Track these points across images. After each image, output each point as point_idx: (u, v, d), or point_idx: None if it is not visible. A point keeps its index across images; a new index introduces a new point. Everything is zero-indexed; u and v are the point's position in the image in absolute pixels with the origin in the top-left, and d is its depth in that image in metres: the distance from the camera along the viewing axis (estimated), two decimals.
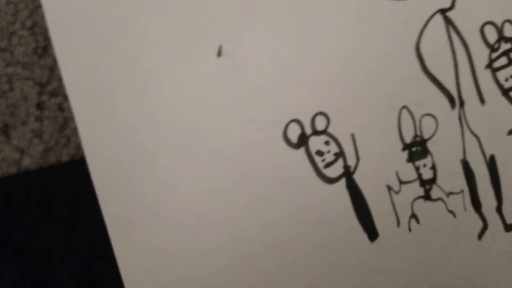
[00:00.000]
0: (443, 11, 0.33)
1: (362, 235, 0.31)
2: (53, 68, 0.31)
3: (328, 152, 0.31)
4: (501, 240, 0.32)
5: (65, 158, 0.32)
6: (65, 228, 0.31)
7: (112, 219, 0.30)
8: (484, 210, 0.32)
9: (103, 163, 0.30)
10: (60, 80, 0.30)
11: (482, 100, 0.33)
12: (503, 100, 0.33)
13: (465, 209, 0.32)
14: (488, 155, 0.33)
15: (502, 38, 0.34)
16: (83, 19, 0.30)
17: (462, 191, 0.32)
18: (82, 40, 0.30)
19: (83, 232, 0.31)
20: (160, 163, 0.30)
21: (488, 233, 0.32)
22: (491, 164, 0.33)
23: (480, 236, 0.32)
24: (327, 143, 0.31)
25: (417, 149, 0.32)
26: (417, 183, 0.32)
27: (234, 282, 0.30)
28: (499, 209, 0.32)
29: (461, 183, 0.32)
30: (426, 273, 0.31)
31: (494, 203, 0.32)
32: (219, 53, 0.31)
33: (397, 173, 0.32)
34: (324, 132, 0.31)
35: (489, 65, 0.33)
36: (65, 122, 0.32)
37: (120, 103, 0.30)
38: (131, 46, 0.30)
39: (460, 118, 0.33)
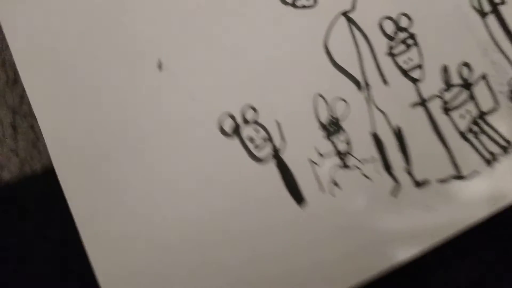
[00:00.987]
0: (345, 13, 0.40)
1: (292, 204, 0.37)
2: (23, 95, 0.38)
3: (258, 138, 0.37)
4: (413, 195, 0.38)
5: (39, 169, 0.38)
6: (40, 224, 0.37)
7: (79, 213, 0.35)
8: (395, 172, 0.38)
9: (68, 166, 0.36)
10: (29, 104, 0.36)
11: (385, 82, 0.39)
12: (404, 80, 0.39)
13: (379, 173, 0.38)
14: (395, 127, 0.38)
15: (398, 28, 0.40)
16: (42, 51, 0.37)
17: (374, 158, 0.38)
18: (44, 69, 0.37)
19: (57, 227, 0.37)
20: (115, 162, 0.36)
21: (401, 191, 0.38)
22: (398, 134, 0.38)
23: (393, 193, 0.38)
24: (256, 130, 0.37)
25: (332, 127, 0.38)
26: (335, 155, 0.37)
27: (186, 256, 0.36)
28: (408, 170, 0.38)
29: (373, 152, 0.38)
30: (350, 231, 0.37)
31: (403, 165, 0.38)
32: (160, 67, 0.38)
33: (317, 148, 0.37)
34: (253, 122, 0.37)
35: (389, 52, 0.40)
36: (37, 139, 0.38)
37: (78, 116, 0.36)
38: (84, 66, 0.37)
39: (367, 99, 0.39)
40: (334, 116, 0.38)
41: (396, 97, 0.39)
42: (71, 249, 0.35)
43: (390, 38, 0.40)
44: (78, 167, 0.36)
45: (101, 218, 0.36)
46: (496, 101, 0.40)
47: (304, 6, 0.39)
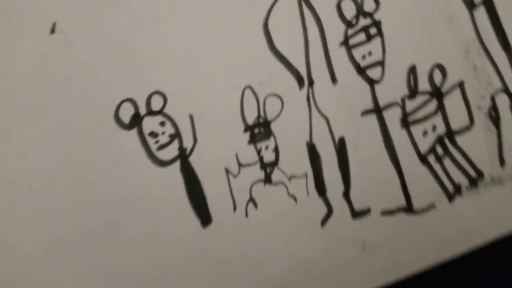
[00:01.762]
0: None
1: (195, 221, 0.29)
2: None
3: (163, 133, 0.30)
4: (346, 227, 0.30)
5: None
6: None
7: None
8: (329, 195, 0.30)
9: None
10: None
11: (334, 79, 0.31)
12: (358, 79, 0.31)
13: (308, 194, 0.30)
14: (337, 137, 0.31)
15: (361, 13, 0.32)
16: None
17: (305, 175, 0.30)
18: None
19: None
20: None
21: (332, 219, 0.30)
22: (340, 147, 0.31)
23: (323, 222, 0.30)
24: (162, 123, 0.30)
25: (259, 130, 0.30)
26: (258, 166, 0.30)
27: (54, 267, 0.28)
28: (346, 195, 0.30)
29: (305, 166, 0.30)
30: (261, 261, 0.29)
31: (341, 188, 0.30)
32: (52, 30, 0.30)
33: (237, 155, 0.30)
34: (160, 112, 0.30)
35: (345, 42, 0.31)
36: None
37: None
38: None
39: (308, 99, 0.31)
40: (264, 116, 0.30)
41: (344, 99, 0.31)
42: None
43: (349, 24, 0.32)
44: None
45: None
46: (471, 117, 0.32)
47: None
